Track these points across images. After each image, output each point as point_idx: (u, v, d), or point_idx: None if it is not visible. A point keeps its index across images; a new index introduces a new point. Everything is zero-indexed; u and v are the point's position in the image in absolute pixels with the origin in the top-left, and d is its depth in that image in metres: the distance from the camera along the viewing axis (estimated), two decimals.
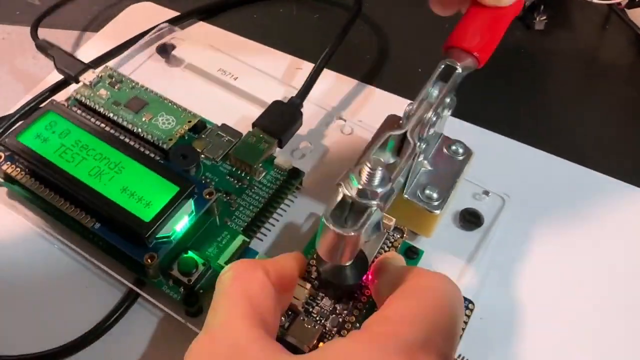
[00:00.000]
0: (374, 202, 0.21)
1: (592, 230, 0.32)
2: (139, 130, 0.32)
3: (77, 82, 0.34)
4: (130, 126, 0.32)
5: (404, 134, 0.24)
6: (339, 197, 0.21)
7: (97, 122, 0.31)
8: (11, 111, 0.34)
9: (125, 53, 0.38)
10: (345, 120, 0.36)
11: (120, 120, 0.32)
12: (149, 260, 0.27)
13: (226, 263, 0.28)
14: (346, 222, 0.21)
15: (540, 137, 0.36)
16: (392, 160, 0.24)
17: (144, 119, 0.32)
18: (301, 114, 0.34)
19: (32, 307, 0.28)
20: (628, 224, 0.32)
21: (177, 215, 0.28)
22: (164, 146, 0.31)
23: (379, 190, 0.21)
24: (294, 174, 0.32)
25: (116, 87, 0.33)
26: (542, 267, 0.31)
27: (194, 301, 0.27)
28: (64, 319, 0.28)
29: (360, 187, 0.21)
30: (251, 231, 0.30)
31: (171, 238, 0.28)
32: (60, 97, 0.35)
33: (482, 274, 0.30)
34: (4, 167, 0.30)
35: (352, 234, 0.21)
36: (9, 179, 0.30)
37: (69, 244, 0.30)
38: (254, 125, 0.33)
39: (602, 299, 0.30)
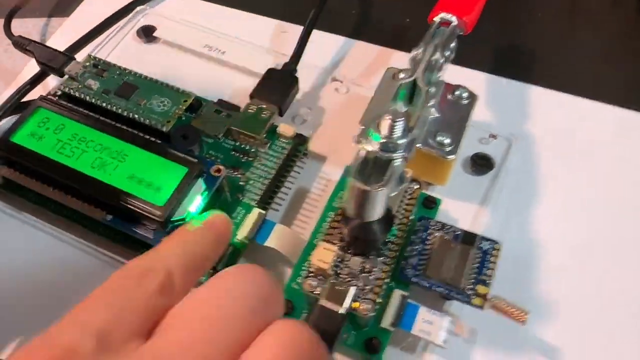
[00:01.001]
0: (398, 154, 0.20)
1: (599, 159, 0.32)
2: (135, 116, 0.31)
3: (62, 75, 0.32)
4: (125, 113, 0.31)
5: (414, 81, 0.23)
6: (362, 154, 0.21)
7: (91, 114, 0.30)
8: None
9: (103, 36, 0.37)
10: (341, 81, 0.35)
11: (114, 109, 0.31)
12: None
13: (246, 238, 0.27)
14: (371, 178, 0.21)
15: (539, 74, 0.36)
16: (404, 109, 0.23)
17: (138, 104, 0.31)
18: (297, 79, 0.33)
19: (55, 308, 0.28)
20: (633, 148, 0.32)
21: (189, 197, 0.27)
22: (163, 129, 0.30)
23: (401, 141, 0.21)
24: (299, 140, 0.31)
25: (104, 75, 0.32)
26: (555, 201, 0.31)
27: None
28: None
29: (382, 140, 0.20)
30: (265, 203, 0.29)
31: (186, 220, 0.27)
32: (41, 89, 0.33)
33: (499, 216, 0.30)
34: (3, 171, 0.29)
35: (379, 189, 0.21)
36: (9, 185, 0.29)
37: (83, 242, 0.29)
38: (251, 96, 0.32)
39: (617, 227, 0.30)
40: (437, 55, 0.24)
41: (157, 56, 0.37)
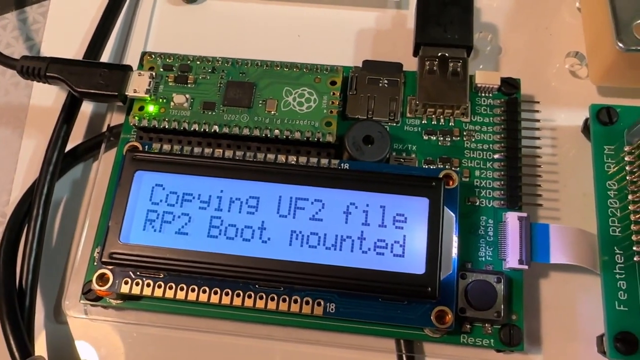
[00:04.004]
0: None
1: None
2: (276, 133, 0.20)
3: (124, 101, 0.20)
4: (258, 132, 0.20)
5: None
6: None
7: (208, 152, 0.19)
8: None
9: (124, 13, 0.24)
10: None
11: (238, 131, 0.20)
12: (446, 319, 0.17)
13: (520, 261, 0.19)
14: None
15: None
16: None
17: (268, 113, 0.20)
18: None
19: None
20: None
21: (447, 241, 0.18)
22: (328, 139, 0.20)
23: None
24: (509, 87, 0.21)
25: (189, 82, 0.21)
26: None
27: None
28: None
29: None
30: (514, 199, 0.20)
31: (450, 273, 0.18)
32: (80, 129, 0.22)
33: None
34: (122, 289, 0.18)
35: None
36: (135, 297, 0.19)
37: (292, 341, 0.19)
38: (419, 43, 0.21)
39: None
40: None
41: (213, 20, 0.24)
